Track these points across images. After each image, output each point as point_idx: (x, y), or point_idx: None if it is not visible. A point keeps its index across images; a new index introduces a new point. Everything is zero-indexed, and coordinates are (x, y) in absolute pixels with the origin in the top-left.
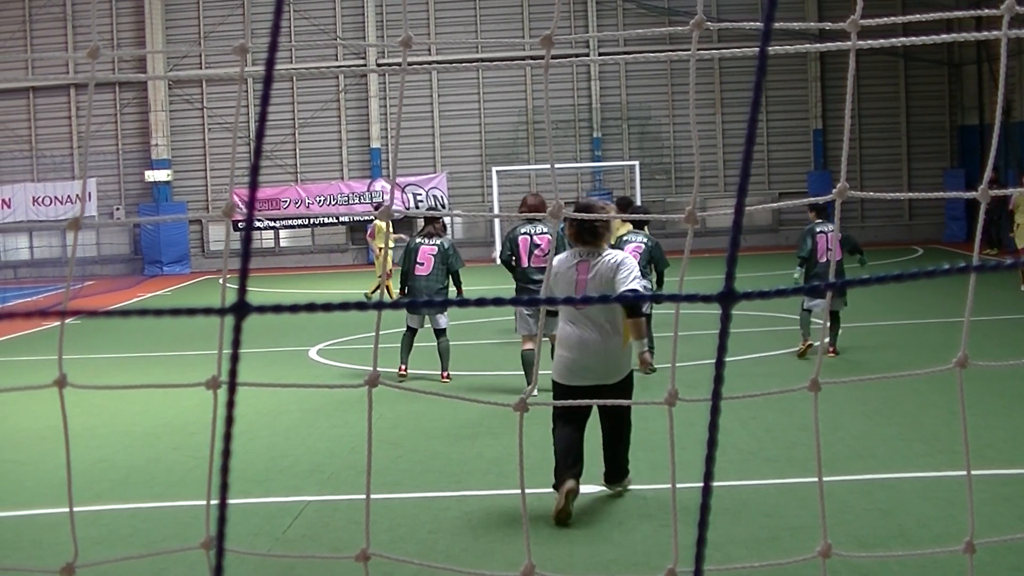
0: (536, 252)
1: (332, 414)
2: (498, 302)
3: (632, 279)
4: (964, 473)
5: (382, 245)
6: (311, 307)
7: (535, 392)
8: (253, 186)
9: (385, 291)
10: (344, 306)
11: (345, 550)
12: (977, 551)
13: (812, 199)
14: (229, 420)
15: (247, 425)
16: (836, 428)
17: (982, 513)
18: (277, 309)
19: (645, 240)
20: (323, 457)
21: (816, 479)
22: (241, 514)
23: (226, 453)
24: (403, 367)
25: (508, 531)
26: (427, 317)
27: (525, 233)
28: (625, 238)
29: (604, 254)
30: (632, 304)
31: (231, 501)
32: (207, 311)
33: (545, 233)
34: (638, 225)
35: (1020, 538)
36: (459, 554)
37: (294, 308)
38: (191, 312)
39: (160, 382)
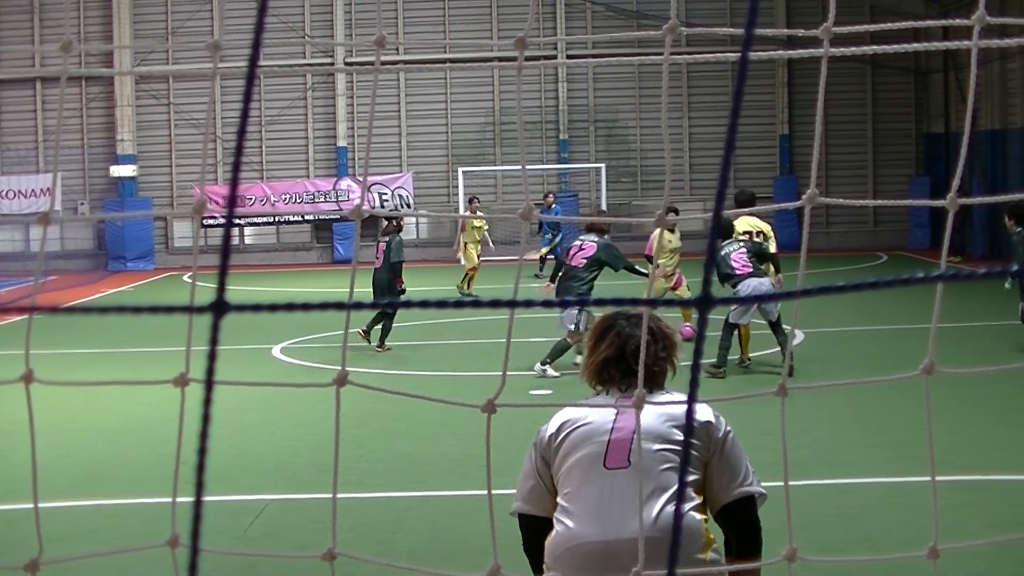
0: (578, 255)
1: (295, 413)
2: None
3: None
4: (928, 479)
5: (467, 240)
6: (289, 306)
7: (555, 373)
8: (234, 183)
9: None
10: (323, 306)
11: (307, 549)
12: (941, 558)
13: (782, 205)
14: (206, 418)
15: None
16: (801, 433)
17: (945, 519)
18: (256, 308)
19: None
20: (285, 456)
21: (781, 483)
22: (203, 511)
23: (202, 451)
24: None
25: (471, 531)
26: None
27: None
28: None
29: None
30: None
31: (185, 499)
32: (186, 309)
33: (592, 241)
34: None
35: (982, 544)
36: (421, 554)
37: (273, 307)
38: (170, 310)
39: (125, 379)
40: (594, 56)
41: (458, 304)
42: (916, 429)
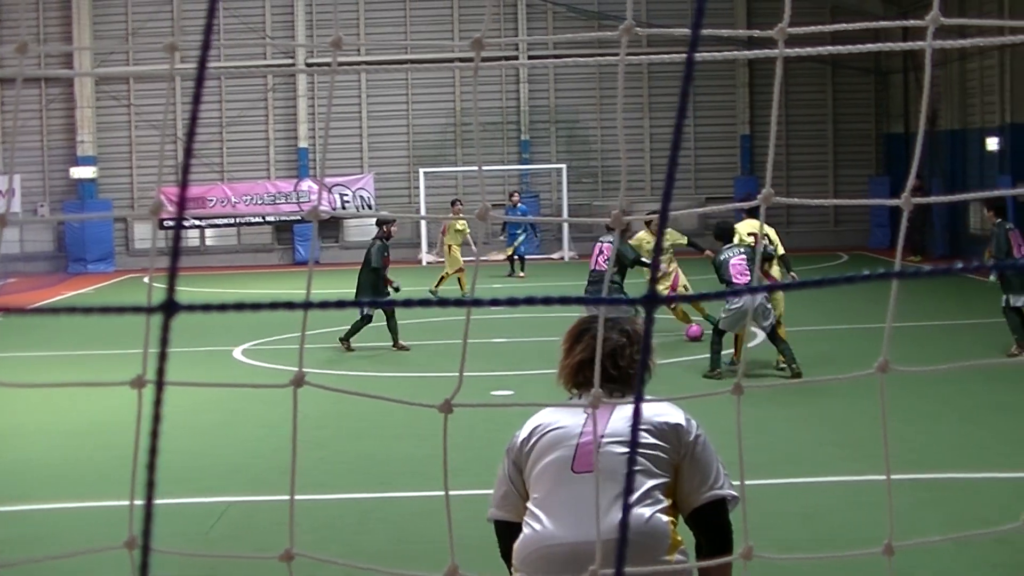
0: (600, 258)
1: (256, 414)
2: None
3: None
4: (890, 477)
5: (450, 242)
6: (239, 306)
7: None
8: (184, 184)
9: (457, 283)
10: (273, 305)
11: (269, 551)
12: (900, 555)
13: (738, 204)
14: (156, 417)
15: (170, 425)
16: (761, 432)
17: (906, 518)
18: (206, 308)
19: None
20: (247, 458)
21: (741, 482)
22: (163, 514)
23: (153, 451)
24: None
25: (434, 533)
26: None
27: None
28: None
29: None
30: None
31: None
32: (136, 309)
33: (609, 242)
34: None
35: (939, 541)
36: (384, 555)
37: (223, 307)
38: (120, 310)
39: (85, 381)
40: (555, 57)
41: (426, 303)
42: (877, 428)
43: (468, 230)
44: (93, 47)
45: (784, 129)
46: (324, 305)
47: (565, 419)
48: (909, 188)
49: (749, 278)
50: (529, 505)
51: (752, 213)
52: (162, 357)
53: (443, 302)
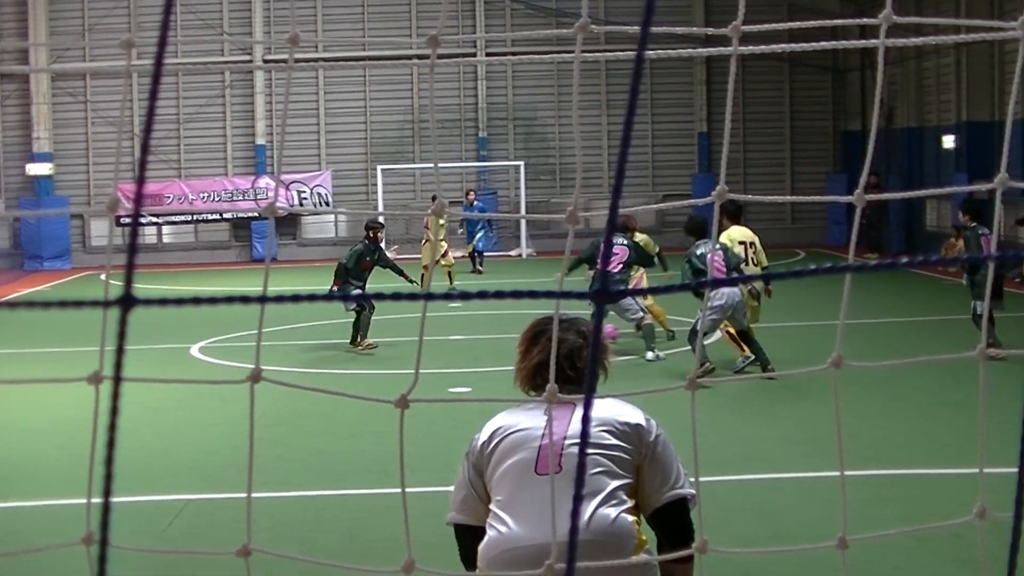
0: (614, 259)
1: (214, 412)
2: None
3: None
4: (846, 473)
5: (432, 235)
6: (196, 300)
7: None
8: (140, 180)
9: (447, 277)
10: (229, 300)
11: (227, 548)
12: (858, 550)
13: (693, 201)
14: (114, 411)
15: (128, 422)
16: (717, 428)
17: (863, 513)
18: (163, 302)
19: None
20: (204, 455)
21: (701, 479)
22: (121, 512)
23: (110, 444)
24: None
25: (390, 530)
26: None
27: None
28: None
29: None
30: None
31: (113, 499)
32: (93, 303)
33: (623, 244)
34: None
35: (894, 534)
36: (340, 552)
37: (180, 302)
38: (78, 304)
39: (41, 378)
40: (513, 54)
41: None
42: (832, 424)
43: (445, 225)
44: (49, 43)
45: (741, 126)
46: (280, 299)
47: (525, 421)
48: (863, 185)
49: (726, 276)
50: (492, 507)
51: (736, 220)
52: (120, 351)
53: (396, 295)
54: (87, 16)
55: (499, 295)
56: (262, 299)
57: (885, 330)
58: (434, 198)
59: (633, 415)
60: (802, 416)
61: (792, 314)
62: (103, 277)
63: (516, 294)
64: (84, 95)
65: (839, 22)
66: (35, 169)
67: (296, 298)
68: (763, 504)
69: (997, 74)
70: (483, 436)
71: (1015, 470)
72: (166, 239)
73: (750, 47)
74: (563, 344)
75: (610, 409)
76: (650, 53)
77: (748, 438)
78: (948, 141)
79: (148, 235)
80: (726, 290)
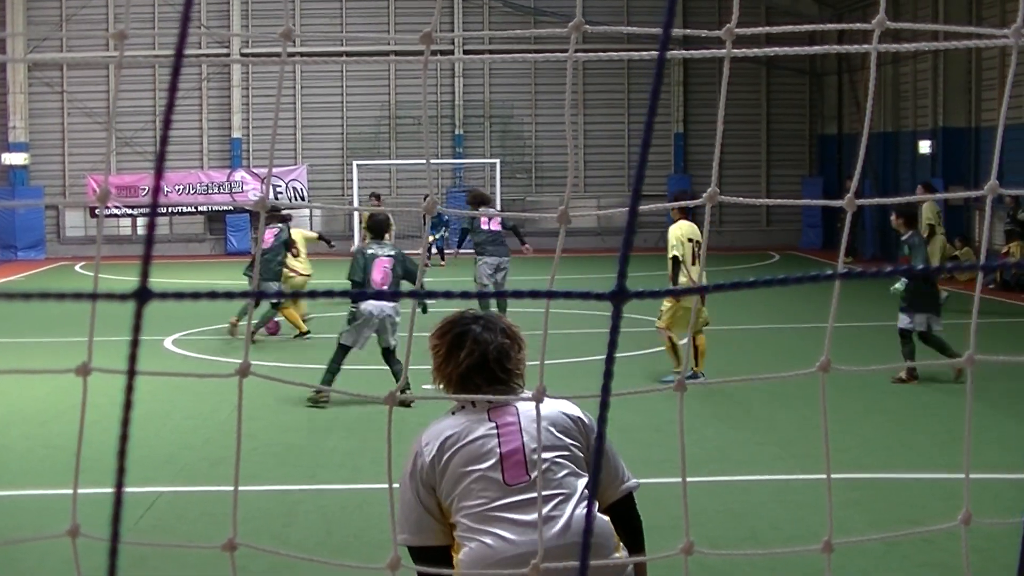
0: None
1: (186, 405)
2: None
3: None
4: (816, 476)
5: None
6: (212, 295)
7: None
8: (158, 172)
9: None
10: (245, 294)
11: (198, 541)
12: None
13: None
14: (128, 405)
15: (99, 414)
16: (690, 430)
17: (834, 516)
18: (179, 296)
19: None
20: (176, 448)
21: (672, 479)
22: (91, 504)
23: (123, 438)
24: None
25: (363, 525)
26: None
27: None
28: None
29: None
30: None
31: (83, 491)
32: (109, 296)
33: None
34: (378, 234)
35: (871, 540)
36: (314, 547)
37: (196, 295)
38: (94, 297)
39: (28, 369)
40: (490, 52)
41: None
42: (803, 428)
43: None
44: (26, 33)
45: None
46: (295, 295)
47: (472, 429)
48: (852, 190)
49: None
50: (464, 521)
51: (686, 215)
52: (134, 343)
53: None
54: (64, 6)
55: (517, 295)
56: (279, 295)
57: (856, 335)
58: (426, 197)
59: (570, 408)
60: (770, 418)
61: (760, 317)
62: (79, 268)
63: (534, 294)
64: (61, 86)
65: (818, 27)
66: (10, 159)
67: (313, 294)
68: (732, 505)
69: (974, 80)
70: (429, 452)
71: (987, 476)
72: (140, 231)
73: (734, 50)
74: (491, 346)
75: (550, 406)
76: (626, 54)
77: (717, 439)
78: (924, 146)
79: (122, 227)
80: (369, 304)
